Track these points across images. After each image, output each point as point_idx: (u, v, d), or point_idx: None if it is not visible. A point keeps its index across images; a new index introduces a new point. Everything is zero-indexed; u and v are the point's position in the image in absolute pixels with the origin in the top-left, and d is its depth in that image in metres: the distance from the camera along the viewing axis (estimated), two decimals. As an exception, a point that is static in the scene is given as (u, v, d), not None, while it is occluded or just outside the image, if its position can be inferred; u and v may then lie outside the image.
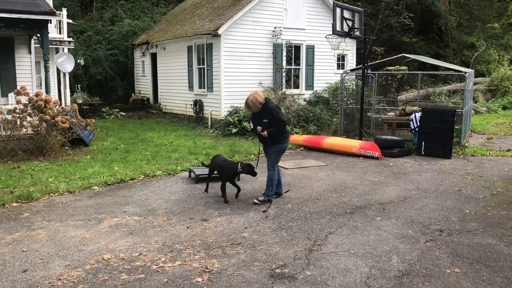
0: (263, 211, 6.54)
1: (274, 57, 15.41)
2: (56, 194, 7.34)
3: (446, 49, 28.26)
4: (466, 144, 12.02)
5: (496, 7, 32.73)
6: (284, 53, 15.59)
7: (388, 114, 13.46)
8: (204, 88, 15.82)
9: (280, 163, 9.74)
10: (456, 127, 11.04)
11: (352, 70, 14.64)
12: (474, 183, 8.30)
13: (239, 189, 7.21)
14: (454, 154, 10.81)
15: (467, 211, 6.62)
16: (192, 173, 8.48)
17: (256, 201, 6.93)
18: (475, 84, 20.58)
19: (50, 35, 12.22)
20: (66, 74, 15.69)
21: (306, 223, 6.03)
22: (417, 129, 11.20)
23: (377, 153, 10.49)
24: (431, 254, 5.05)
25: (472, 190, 7.78)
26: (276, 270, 4.59)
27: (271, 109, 6.78)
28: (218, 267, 4.66)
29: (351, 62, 17.63)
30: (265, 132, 6.73)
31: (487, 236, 5.63)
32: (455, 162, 10.13)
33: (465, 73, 12.09)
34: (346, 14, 11.36)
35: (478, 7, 31.63)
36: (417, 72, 14.74)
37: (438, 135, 10.61)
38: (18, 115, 9.90)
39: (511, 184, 8.21)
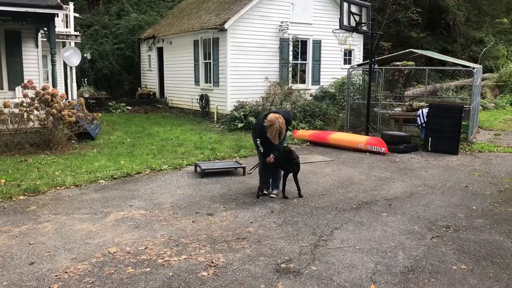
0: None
1: (281, 52, 15.35)
2: (62, 188, 7.38)
3: (454, 45, 28.03)
4: (474, 140, 11.95)
5: (505, 2, 32.36)
6: (291, 48, 15.53)
7: (395, 109, 13.39)
8: (210, 82, 15.81)
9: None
10: (463, 123, 10.97)
11: (359, 65, 14.56)
12: (481, 179, 8.24)
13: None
14: (461, 150, 10.74)
15: (474, 208, 6.58)
16: (198, 167, 8.49)
17: (272, 196, 7.00)
18: (483, 79, 20.43)
19: (57, 29, 12.25)
20: (72, 68, 15.73)
21: (312, 218, 6.02)
22: (424, 125, 11.14)
23: (383, 149, 10.45)
24: (437, 250, 5.02)
25: (479, 187, 7.73)
26: (282, 265, 4.59)
27: (287, 119, 6.80)
28: (223, 261, 4.66)
29: (358, 57, 17.54)
30: (271, 157, 6.79)
31: (494, 232, 5.59)
32: (462, 158, 10.07)
33: (473, 68, 12.00)
34: (354, 9, 11.29)
35: (487, 2, 31.30)
36: (425, 67, 14.64)
37: (445, 131, 10.55)
38: (25, 108, 9.95)
39: (519, 180, 8.16)
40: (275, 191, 7.09)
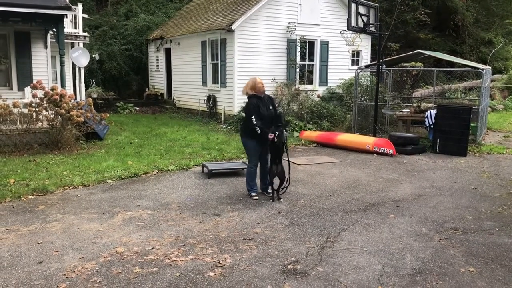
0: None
1: (288, 53, 15.34)
2: (70, 187, 7.42)
3: (462, 46, 27.83)
4: (482, 142, 11.86)
5: (515, 3, 32.10)
6: (298, 49, 15.51)
7: (403, 111, 13.33)
8: (217, 83, 15.84)
9: (293, 159, 9.76)
10: (472, 124, 10.89)
11: (366, 66, 14.51)
12: (490, 181, 8.18)
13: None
14: (470, 152, 10.67)
15: (483, 210, 6.53)
16: (205, 168, 8.50)
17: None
18: (492, 81, 20.25)
19: (65, 30, 12.33)
20: (81, 68, 15.84)
21: (319, 220, 6.01)
22: (432, 126, 11.08)
23: (391, 150, 10.40)
24: (445, 252, 4.99)
25: (487, 189, 7.67)
26: (288, 266, 4.58)
27: (269, 96, 7.08)
28: (230, 262, 4.67)
29: (365, 58, 17.48)
30: (272, 135, 6.66)
31: (503, 235, 5.54)
32: (471, 160, 10.00)
33: (482, 70, 11.90)
34: (361, 10, 11.26)
35: (496, 2, 31.03)
36: (433, 68, 14.56)
37: (454, 132, 10.48)
38: (34, 108, 10.03)
39: (528, 183, 8.08)
40: (281, 192, 7.05)
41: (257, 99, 6.81)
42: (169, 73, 19.90)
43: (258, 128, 6.63)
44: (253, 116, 6.66)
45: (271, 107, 6.92)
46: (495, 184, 8.01)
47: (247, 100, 6.95)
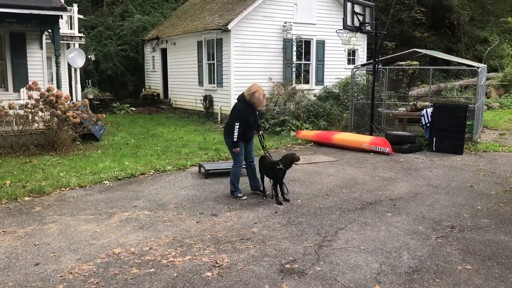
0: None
1: (284, 52, 15.35)
2: (67, 189, 7.40)
3: (458, 44, 27.94)
4: (478, 140, 11.90)
5: (509, 1, 32.19)
6: (294, 48, 15.53)
7: (399, 109, 13.36)
8: (214, 83, 15.83)
9: (290, 159, 9.75)
10: (468, 122, 10.93)
11: (363, 65, 14.54)
12: (486, 179, 8.21)
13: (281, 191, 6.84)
14: (466, 150, 10.70)
15: (479, 208, 6.55)
16: (202, 168, 8.50)
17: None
18: (487, 79, 20.34)
19: (61, 31, 12.29)
20: (77, 69, 15.80)
21: (316, 219, 6.02)
22: (428, 125, 11.11)
23: (387, 149, 10.42)
24: (442, 250, 5.00)
25: (484, 187, 7.70)
26: (286, 266, 4.58)
27: None
28: (227, 262, 4.66)
29: (361, 57, 17.52)
30: (238, 149, 6.79)
31: (499, 233, 5.56)
32: (467, 158, 10.04)
33: (478, 68, 11.95)
34: (357, 9, 11.27)
35: (491, 1, 31.16)
36: (429, 67, 14.60)
37: (450, 130, 10.51)
38: (30, 110, 9.99)
39: (524, 180, 8.11)
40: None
41: (247, 106, 6.71)
42: (165, 73, 19.87)
43: (235, 138, 6.64)
44: (238, 124, 6.62)
45: (257, 113, 6.97)
46: (491, 181, 8.03)
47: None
